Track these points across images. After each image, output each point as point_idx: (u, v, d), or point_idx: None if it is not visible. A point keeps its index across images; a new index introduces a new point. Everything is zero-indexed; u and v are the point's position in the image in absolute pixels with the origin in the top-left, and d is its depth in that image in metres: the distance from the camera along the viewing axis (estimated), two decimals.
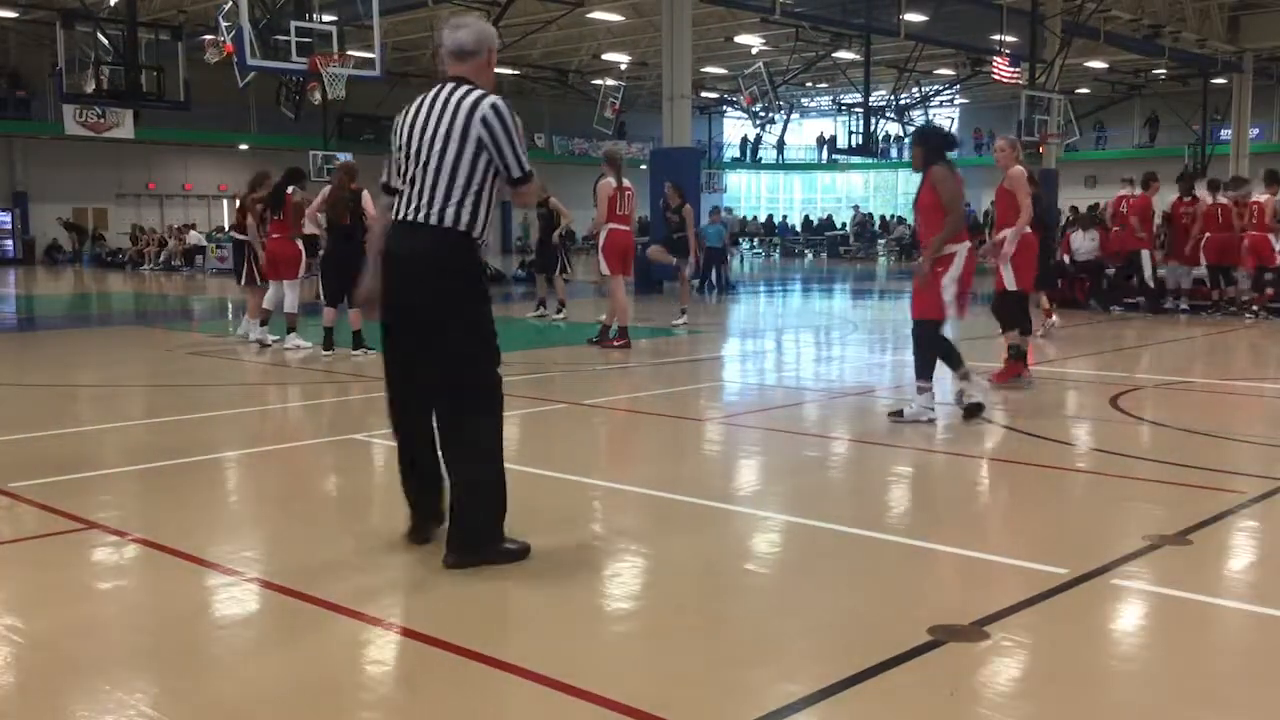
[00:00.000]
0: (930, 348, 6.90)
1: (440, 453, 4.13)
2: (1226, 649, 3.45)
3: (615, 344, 11.04)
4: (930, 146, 6.94)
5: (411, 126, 4.08)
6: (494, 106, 3.99)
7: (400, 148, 4.11)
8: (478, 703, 3.00)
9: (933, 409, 6.90)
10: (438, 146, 3.98)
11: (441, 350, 4.01)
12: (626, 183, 11.32)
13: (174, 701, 3.01)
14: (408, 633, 3.45)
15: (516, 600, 3.80)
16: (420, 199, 3.99)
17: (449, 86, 4.08)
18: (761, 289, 23.95)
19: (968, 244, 6.78)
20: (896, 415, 6.97)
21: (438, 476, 4.20)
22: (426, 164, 3.99)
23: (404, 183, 4.07)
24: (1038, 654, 3.32)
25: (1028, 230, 8.53)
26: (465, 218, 3.98)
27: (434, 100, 4.07)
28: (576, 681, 3.04)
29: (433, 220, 3.97)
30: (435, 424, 4.11)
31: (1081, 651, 3.32)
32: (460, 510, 4.07)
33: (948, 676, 3.11)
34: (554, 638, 3.43)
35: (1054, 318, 12.56)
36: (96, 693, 3.08)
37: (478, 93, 4.03)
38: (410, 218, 4.01)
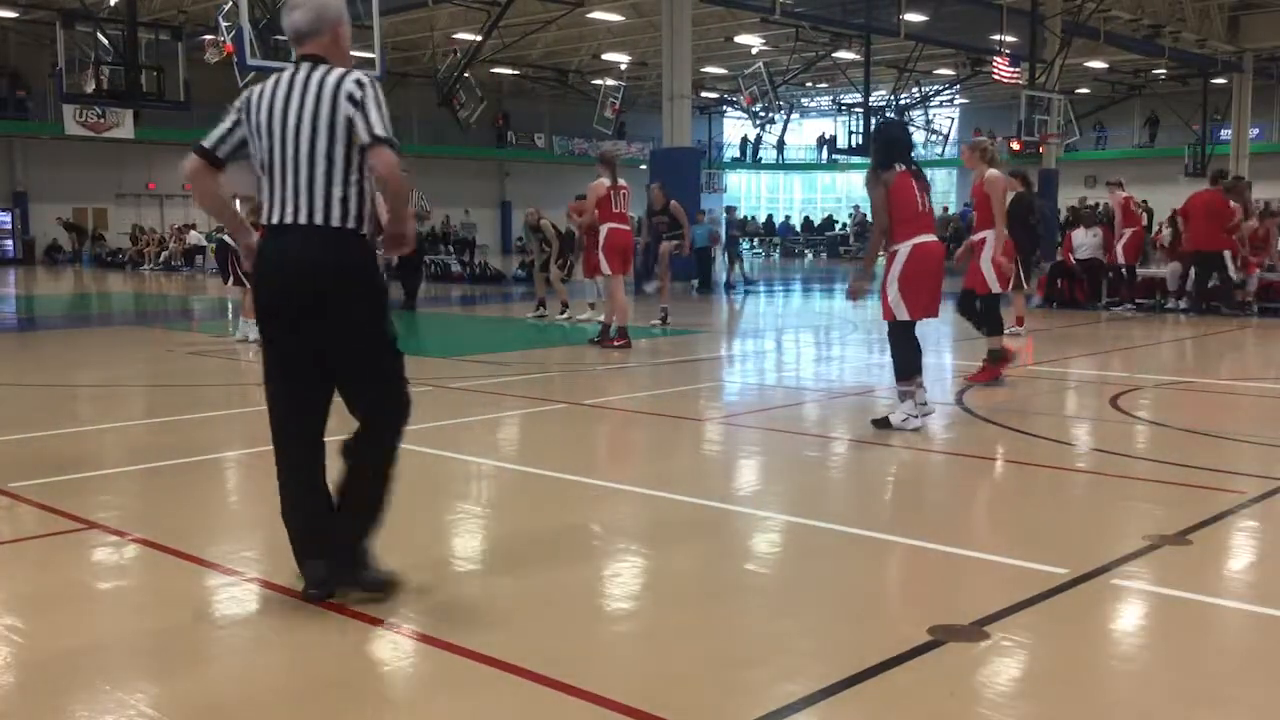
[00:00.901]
0: (894, 347, 6.78)
1: (345, 460, 3.80)
2: (1226, 649, 3.45)
3: (615, 344, 11.04)
4: (877, 151, 6.93)
5: (270, 114, 3.63)
6: (358, 81, 3.60)
7: (258, 134, 3.66)
8: (477, 703, 3.00)
9: (915, 415, 6.68)
10: (305, 138, 3.57)
11: (356, 360, 3.71)
12: (622, 182, 11.35)
13: (174, 701, 3.01)
14: (407, 633, 3.45)
15: (516, 600, 3.80)
16: (299, 198, 3.58)
17: (305, 67, 3.67)
18: (761, 289, 23.95)
19: (912, 242, 6.55)
20: (881, 423, 6.75)
21: (330, 506, 3.81)
22: (297, 158, 3.58)
23: (267, 177, 3.66)
24: (1038, 654, 3.32)
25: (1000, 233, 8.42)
26: (353, 213, 3.61)
27: (291, 84, 3.65)
28: (576, 681, 3.04)
29: (318, 220, 3.57)
30: (351, 440, 3.81)
31: (1081, 651, 3.32)
32: (345, 526, 3.75)
33: (948, 676, 3.11)
34: (554, 638, 3.43)
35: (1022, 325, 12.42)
36: (97, 693, 3.08)
37: (339, 71, 3.65)
38: (290, 220, 3.60)
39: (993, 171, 8.43)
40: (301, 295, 3.60)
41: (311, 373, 3.72)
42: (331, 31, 3.76)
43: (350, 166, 3.60)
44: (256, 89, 3.72)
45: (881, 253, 6.76)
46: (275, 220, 3.64)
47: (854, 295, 6.84)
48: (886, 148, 6.87)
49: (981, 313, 8.70)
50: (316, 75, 3.64)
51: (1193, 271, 14.95)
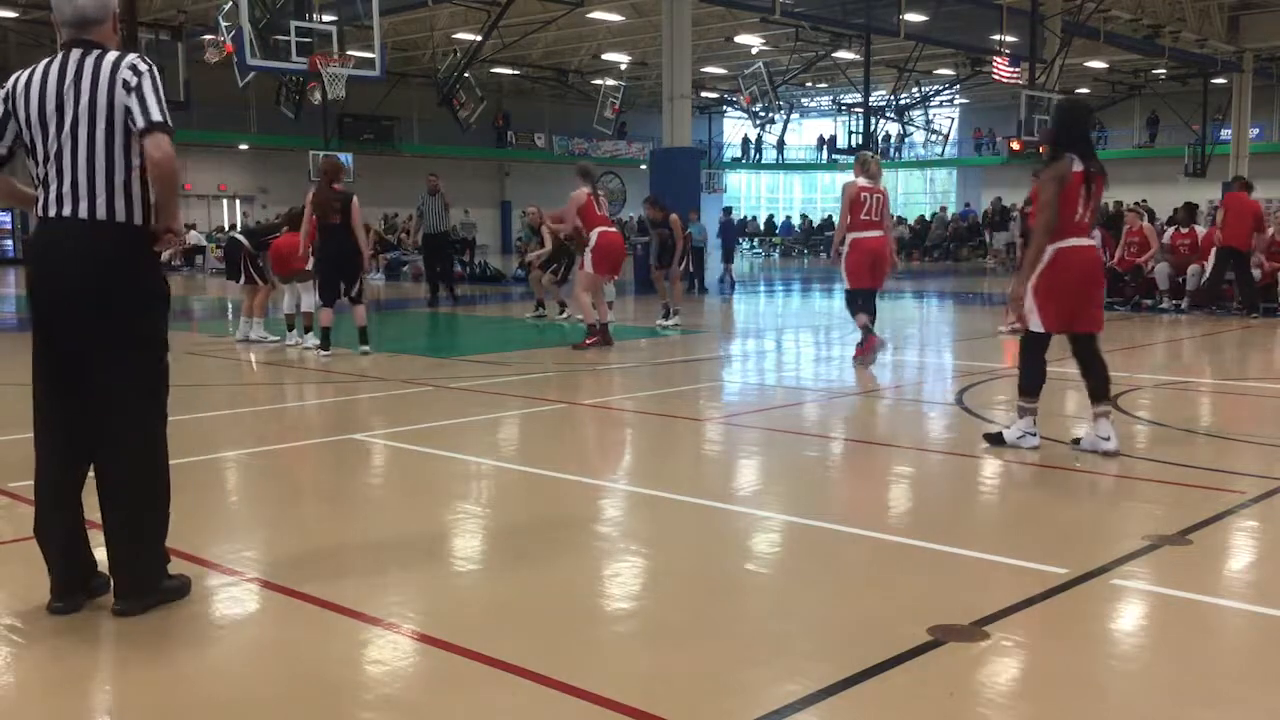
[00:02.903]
0: (1021, 357, 6.22)
1: (101, 488, 3.65)
2: (1226, 649, 3.45)
3: (588, 343, 11.03)
4: (1056, 132, 6.11)
5: (42, 101, 3.45)
6: (133, 66, 3.45)
7: (29, 125, 3.49)
8: (477, 703, 3.00)
9: (1034, 433, 6.13)
10: (84, 129, 3.41)
11: (115, 366, 3.50)
12: (600, 190, 11.59)
13: (173, 701, 3.01)
14: (407, 632, 3.45)
15: (516, 600, 3.80)
16: (77, 190, 3.42)
17: (77, 53, 3.48)
18: (761, 289, 23.96)
19: (1056, 246, 5.88)
20: (994, 439, 6.21)
21: (84, 528, 3.70)
22: (75, 150, 3.42)
23: (41, 170, 3.49)
24: (1038, 654, 3.32)
25: (857, 235, 9.53)
26: (137, 208, 3.48)
27: (63, 71, 3.46)
28: (576, 681, 3.05)
29: (99, 214, 3.44)
30: (103, 462, 3.61)
31: (1081, 651, 3.32)
32: (127, 546, 3.58)
33: (948, 676, 3.11)
34: (554, 638, 3.44)
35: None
36: (96, 693, 3.08)
37: (114, 55, 3.47)
38: (68, 213, 3.44)
39: (847, 181, 9.76)
40: (71, 295, 3.45)
41: (91, 376, 3.52)
42: (112, 17, 3.59)
43: (131, 159, 3.46)
44: (22, 76, 3.54)
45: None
46: (52, 214, 3.47)
47: (1017, 307, 6.18)
48: (1067, 136, 6.02)
49: (846, 304, 10.10)
50: (90, 61, 3.46)
51: (1208, 268, 14.91)
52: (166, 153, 3.40)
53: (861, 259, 9.53)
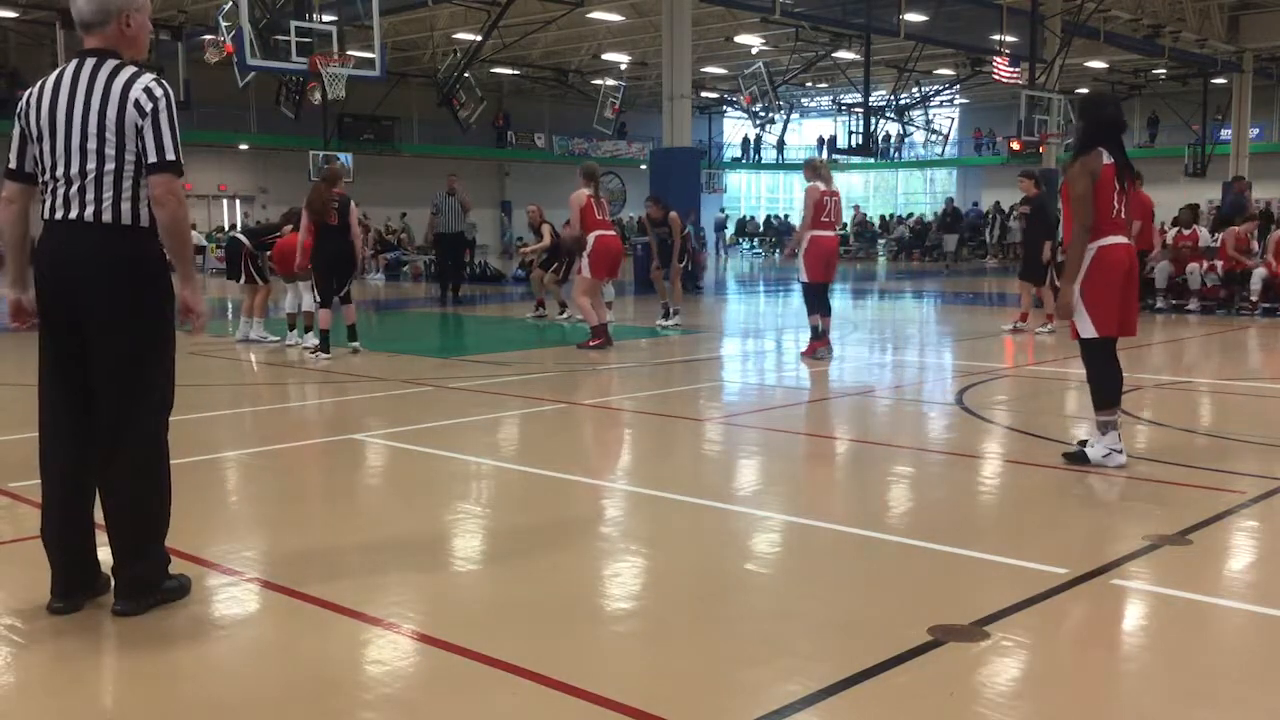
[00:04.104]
0: (1088, 369, 5.84)
1: (102, 488, 3.64)
2: (1226, 649, 3.45)
3: (591, 344, 11.06)
4: (1083, 126, 5.91)
5: (52, 111, 3.46)
6: (148, 90, 3.44)
7: (39, 137, 3.50)
8: (476, 703, 3.00)
9: (1120, 450, 5.70)
10: (93, 144, 3.43)
11: (121, 367, 3.52)
12: (602, 194, 11.69)
13: (174, 701, 3.01)
14: (407, 632, 3.45)
15: (517, 600, 3.80)
16: (84, 196, 3.45)
17: (90, 62, 3.47)
18: (762, 289, 23.97)
19: (1097, 245, 5.62)
20: (1076, 459, 5.79)
21: (91, 529, 3.66)
22: (85, 160, 3.44)
23: (48, 177, 3.51)
24: (1038, 654, 3.32)
25: (816, 233, 10.23)
26: (144, 210, 3.49)
27: (74, 83, 3.46)
28: (576, 681, 3.05)
29: (88, 217, 3.45)
30: (105, 462, 3.59)
31: (1081, 651, 3.33)
32: (128, 546, 3.57)
33: (948, 676, 3.11)
34: (554, 638, 3.44)
35: (1028, 319, 12.68)
36: (97, 693, 3.08)
37: (127, 71, 3.46)
38: (72, 216, 3.47)
39: (809, 184, 10.36)
40: (83, 293, 3.47)
41: (96, 366, 3.54)
42: (119, 20, 3.52)
43: (141, 167, 3.47)
44: (34, 89, 3.55)
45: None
46: (58, 216, 3.50)
47: (1066, 314, 5.77)
48: (1095, 129, 5.77)
49: (805, 297, 10.72)
50: (103, 74, 3.45)
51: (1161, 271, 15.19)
52: (168, 190, 3.43)
53: (819, 256, 10.36)
